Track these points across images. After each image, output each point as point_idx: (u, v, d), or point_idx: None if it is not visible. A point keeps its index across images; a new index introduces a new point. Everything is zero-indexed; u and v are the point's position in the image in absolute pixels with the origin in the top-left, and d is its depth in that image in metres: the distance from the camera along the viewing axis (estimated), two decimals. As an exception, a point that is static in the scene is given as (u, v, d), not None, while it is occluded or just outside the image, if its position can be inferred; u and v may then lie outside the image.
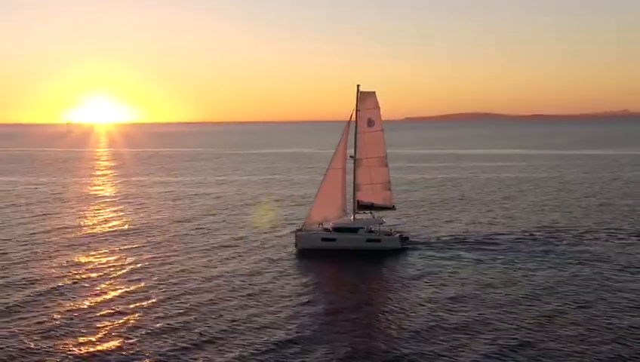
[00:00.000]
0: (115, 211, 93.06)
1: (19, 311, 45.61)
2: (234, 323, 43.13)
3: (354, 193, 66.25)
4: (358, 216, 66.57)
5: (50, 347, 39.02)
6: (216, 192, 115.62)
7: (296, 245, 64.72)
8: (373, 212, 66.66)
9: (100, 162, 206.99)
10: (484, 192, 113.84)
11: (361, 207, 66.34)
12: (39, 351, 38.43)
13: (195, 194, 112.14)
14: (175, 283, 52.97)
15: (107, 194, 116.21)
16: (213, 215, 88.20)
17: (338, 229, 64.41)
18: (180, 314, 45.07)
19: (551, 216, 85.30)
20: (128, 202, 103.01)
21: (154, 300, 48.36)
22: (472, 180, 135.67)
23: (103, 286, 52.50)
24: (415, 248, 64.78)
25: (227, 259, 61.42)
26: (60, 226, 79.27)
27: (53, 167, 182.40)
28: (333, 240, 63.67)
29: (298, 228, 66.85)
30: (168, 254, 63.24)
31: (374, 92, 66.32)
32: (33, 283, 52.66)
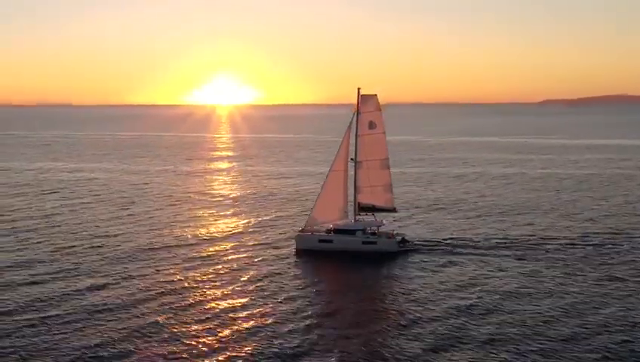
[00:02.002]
0: (186, 210, 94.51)
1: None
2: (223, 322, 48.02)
3: (355, 195, 69.66)
4: (359, 218, 69.91)
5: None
6: (291, 189, 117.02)
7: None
8: (375, 214, 69.83)
9: (203, 151, 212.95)
10: (548, 193, 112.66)
11: (362, 209, 69.69)
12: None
13: (276, 189, 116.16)
14: (183, 275, 59.62)
15: (189, 189, 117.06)
16: (268, 215, 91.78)
17: (335, 231, 68.27)
18: (183, 308, 50.74)
19: (582, 223, 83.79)
20: (203, 199, 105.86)
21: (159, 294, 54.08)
22: (546, 178, 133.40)
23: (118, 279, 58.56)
24: (414, 251, 67.39)
25: (229, 256, 67.15)
26: (121, 225, 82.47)
27: (154, 154, 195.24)
28: (330, 241, 67.66)
29: (301, 228, 71.15)
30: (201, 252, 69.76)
31: (375, 95, 69.60)
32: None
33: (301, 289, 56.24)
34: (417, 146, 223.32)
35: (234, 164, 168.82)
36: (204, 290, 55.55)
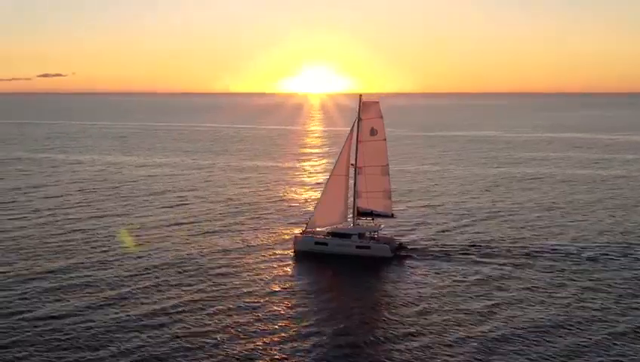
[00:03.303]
0: (227, 212, 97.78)
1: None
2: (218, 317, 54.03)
3: (354, 200, 73.77)
4: (358, 223, 73.98)
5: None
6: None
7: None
8: (375, 219, 73.77)
9: (280, 146, 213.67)
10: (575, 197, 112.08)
11: (361, 214, 73.68)
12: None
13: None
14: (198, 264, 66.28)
15: (240, 190, 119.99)
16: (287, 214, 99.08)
17: (332, 234, 72.75)
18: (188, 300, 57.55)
19: (583, 232, 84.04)
20: (247, 202, 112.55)
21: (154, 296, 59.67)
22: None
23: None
24: (408, 257, 70.81)
25: (234, 252, 73.46)
26: (164, 226, 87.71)
27: (223, 148, 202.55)
28: (325, 244, 72.10)
29: (302, 230, 75.94)
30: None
31: (377, 101, 73.15)
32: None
33: (292, 294, 60.65)
34: (499, 143, 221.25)
35: (307, 162, 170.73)
36: (209, 288, 61.52)
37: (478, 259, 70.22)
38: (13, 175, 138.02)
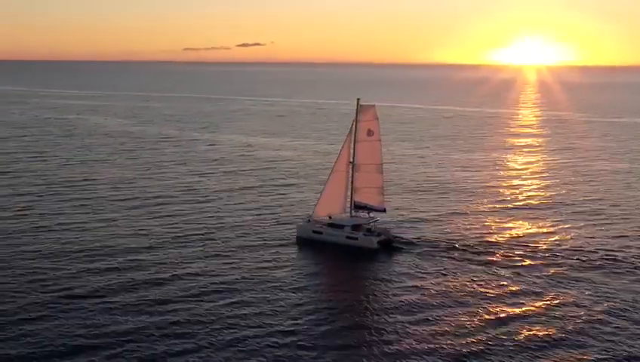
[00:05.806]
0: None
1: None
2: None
3: (351, 194, 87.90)
4: (354, 215, 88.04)
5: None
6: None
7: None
8: (371, 212, 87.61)
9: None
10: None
11: (357, 207, 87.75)
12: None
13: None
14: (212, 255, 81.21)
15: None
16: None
17: (328, 224, 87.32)
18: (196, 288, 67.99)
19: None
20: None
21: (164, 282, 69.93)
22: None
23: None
24: (397, 250, 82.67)
25: (237, 239, 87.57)
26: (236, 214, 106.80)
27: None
28: (320, 233, 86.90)
29: (306, 218, 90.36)
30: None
31: (374, 105, 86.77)
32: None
33: (292, 279, 72.90)
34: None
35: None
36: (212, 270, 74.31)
37: (479, 259, 78.92)
38: (150, 154, 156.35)
